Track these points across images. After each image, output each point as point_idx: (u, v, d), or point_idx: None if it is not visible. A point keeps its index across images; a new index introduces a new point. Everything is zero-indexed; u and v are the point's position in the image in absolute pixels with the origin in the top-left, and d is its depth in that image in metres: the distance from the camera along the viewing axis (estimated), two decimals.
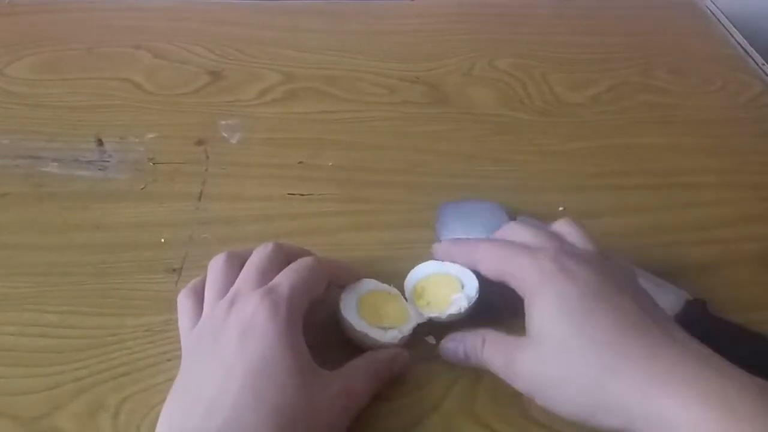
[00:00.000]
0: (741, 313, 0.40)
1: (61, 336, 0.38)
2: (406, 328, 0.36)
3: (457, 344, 0.35)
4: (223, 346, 0.31)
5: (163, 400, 0.35)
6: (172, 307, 0.40)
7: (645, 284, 0.41)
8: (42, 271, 0.42)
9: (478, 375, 0.37)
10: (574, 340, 0.29)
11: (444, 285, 0.38)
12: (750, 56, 0.66)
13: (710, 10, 0.74)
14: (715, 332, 0.39)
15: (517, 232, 0.36)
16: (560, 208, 0.48)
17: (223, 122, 0.54)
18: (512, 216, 0.43)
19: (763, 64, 0.65)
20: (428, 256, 0.40)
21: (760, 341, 0.38)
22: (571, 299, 0.30)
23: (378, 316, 0.37)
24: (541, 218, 0.46)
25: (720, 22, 0.72)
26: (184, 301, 0.37)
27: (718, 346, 0.38)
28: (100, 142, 0.52)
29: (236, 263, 0.36)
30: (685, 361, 0.28)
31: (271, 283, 0.33)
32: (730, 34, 0.70)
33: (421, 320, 0.37)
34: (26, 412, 0.35)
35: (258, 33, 0.65)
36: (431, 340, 0.38)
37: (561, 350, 0.30)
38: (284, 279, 0.33)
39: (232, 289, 0.34)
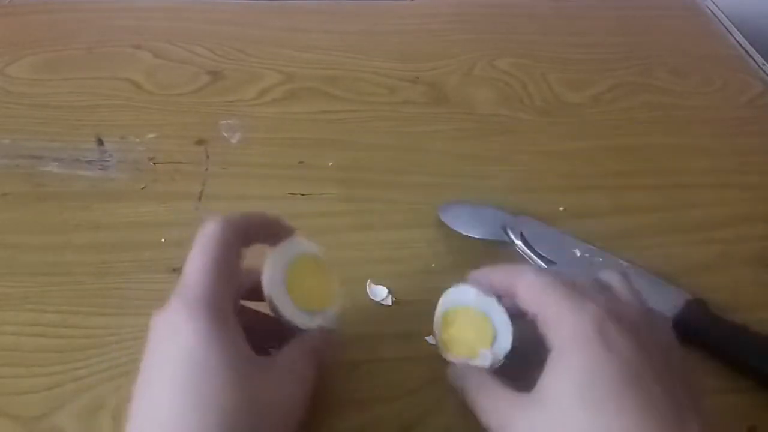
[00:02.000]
0: (741, 313, 0.40)
1: (62, 336, 0.38)
2: (331, 312, 0.34)
3: (456, 378, 0.34)
4: (152, 357, 0.28)
5: None
6: None
7: (645, 284, 0.41)
8: (42, 271, 0.42)
9: None
10: (589, 422, 0.26)
11: (477, 329, 0.34)
12: (750, 56, 0.66)
13: (710, 10, 0.74)
14: (715, 332, 0.39)
15: (567, 273, 0.33)
16: (560, 208, 0.48)
17: (224, 122, 0.54)
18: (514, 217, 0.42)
19: (763, 64, 0.65)
20: (431, 262, 0.39)
21: (760, 341, 0.38)
22: (602, 376, 0.27)
23: (305, 296, 0.33)
24: (541, 218, 0.46)
25: (720, 22, 0.72)
26: None
27: (718, 346, 0.39)
28: (100, 142, 0.52)
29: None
30: None
31: (181, 279, 0.29)
32: (730, 34, 0.70)
33: (336, 308, 0.35)
34: (26, 411, 0.35)
35: (258, 33, 0.65)
36: (431, 340, 0.38)
37: (570, 426, 0.26)
38: (191, 268, 0.29)
39: None
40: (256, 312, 0.34)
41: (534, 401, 0.28)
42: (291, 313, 0.32)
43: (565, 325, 0.29)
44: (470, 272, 0.35)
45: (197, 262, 0.28)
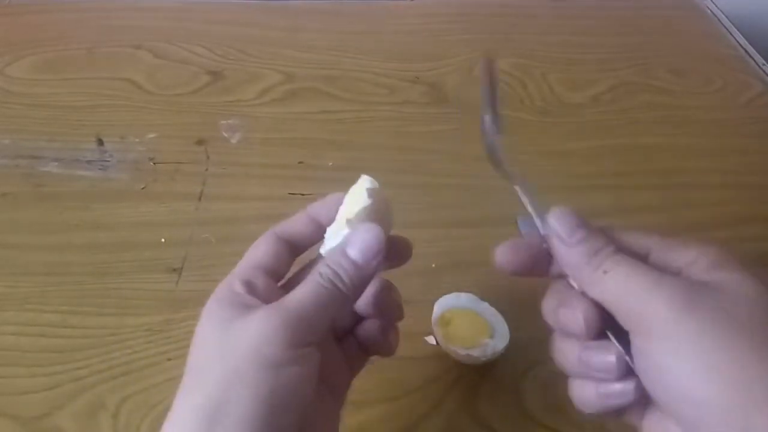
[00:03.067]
0: None
1: (61, 336, 0.38)
2: (359, 218, 0.28)
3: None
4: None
5: (163, 400, 0.35)
6: (172, 306, 0.40)
7: None
8: (42, 271, 0.42)
9: (479, 375, 0.37)
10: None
11: (474, 324, 0.37)
12: (750, 56, 0.66)
13: (710, 10, 0.74)
14: None
15: None
16: None
17: (224, 122, 0.54)
18: None
19: (763, 64, 0.65)
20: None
21: None
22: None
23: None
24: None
25: (720, 22, 0.72)
26: None
27: None
28: (100, 142, 0.52)
29: None
30: None
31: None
32: (730, 34, 0.70)
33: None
34: (26, 411, 0.35)
35: (258, 33, 0.65)
36: (431, 340, 0.38)
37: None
38: (237, 269, 0.28)
39: None
40: None
41: (710, 287, 0.23)
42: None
43: (702, 253, 0.25)
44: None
45: (242, 266, 0.28)
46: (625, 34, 0.68)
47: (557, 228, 0.28)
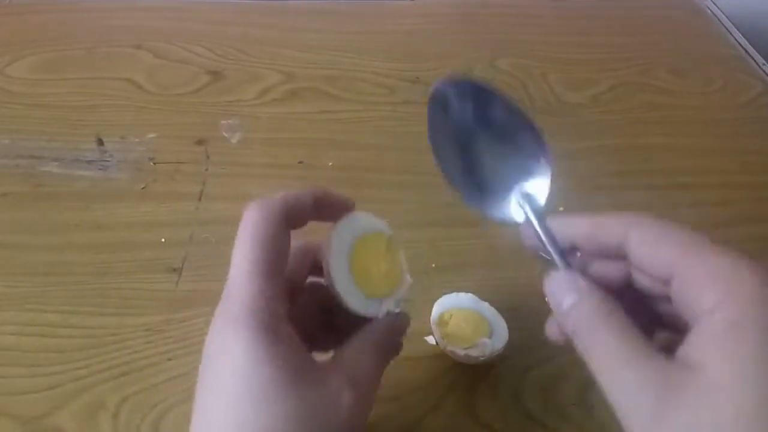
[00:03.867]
0: None
1: (62, 336, 0.38)
2: (399, 296, 0.31)
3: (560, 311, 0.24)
4: (204, 377, 0.25)
5: (163, 400, 0.35)
6: (172, 306, 0.40)
7: None
8: (42, 271, 0.42)
9: (479, 375, 0.37)
10: None
11: (473, 323, 0.37)
12: (750, 56, 0.66)
13: (710, 10, 0.74)
14: None
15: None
16: (560, 209, 0.48)
17: (224, 122, 0.54)
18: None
19: (764, 64, 0.65)
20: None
21: None
22: None
23: (370, 280, 0.30)
24: None
25: (720, 22, 0.72)
26: None
27: None
28: (100, 142, 0.52)
29: None
30: None
31: (227, 281, 0.26)
32: (730, 34, 0.70)
33: (404, 291, 0.31)
34: (27, 411, 0.35)
35: (258, 33, 0.65)
36: (431, 340, 0.38)
37: (752, 422, 0.18)
38: (234, 271, 0.26)
39: None
40: (319, 293, 0.31)
41: (692, 386, 0.20)
42: (354, 300, 0.29)
43: (732, 286, 0.21)
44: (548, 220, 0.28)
45: (240, 262, 0.26)
46: (625, 34, 0.68)
47: (549, 298, 0.25)
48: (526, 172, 0.29)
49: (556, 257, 0.26)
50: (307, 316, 0.31)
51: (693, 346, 0.21)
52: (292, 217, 0.28)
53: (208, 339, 0.25)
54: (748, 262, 0.21)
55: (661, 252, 0.23)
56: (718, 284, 0.21)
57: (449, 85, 0.29)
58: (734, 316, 0.20)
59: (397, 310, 0.30)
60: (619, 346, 0.22)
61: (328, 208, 0.29)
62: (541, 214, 0.27)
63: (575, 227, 0.26)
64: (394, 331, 0.30)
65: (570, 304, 0.24)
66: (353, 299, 0.29)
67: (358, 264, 0.30)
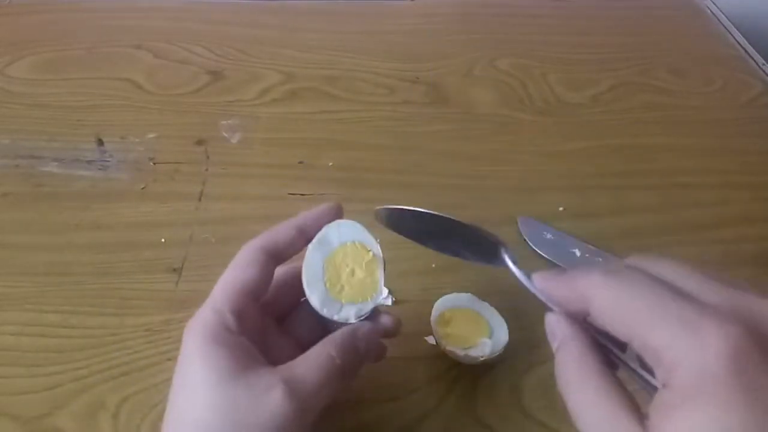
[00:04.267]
0: None
1: (62, 336, 0.38)
2: (367, 306, 0.31)
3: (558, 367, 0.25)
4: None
5: (163, 400, 0.35)
6: (172, 306, 0.40)
7: None
8: (42, 271, 0.42)
9: (478, 375, 0.37)
10: None
11: (473, 323, 0.37)
12: (750, 56, 0.66)
13: (710, 10, 0.74)
14: None
15: (663, 266, 0.24)
16: (560, 209, 0.48)
17: (224, 122, 0.54)
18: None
19: (763, 64, 0.65)
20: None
21: None
22: None
23: (338, 284, 0.31)
24: (542, 218, 0.46)
25: (720, 22, 0.72)
26: None
27: None
28: (100, 142, 0.52)
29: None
30: None
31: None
32: (730, 34, 0.70)
33: (377, 301, 0.32)
34: (26, 411, 0.35)
35: (258, 33, 0.65)
36: (431, 340, 0.38)
37: None
38: (213, 293, 0.30)
39: None
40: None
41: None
42: (316, 297, 0.30)
43: (682, 362, 0.20)
44: (533, 277, 0.27)
45: (217, 284, 0.30)
46: (625, 34, 0.68)
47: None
48: (490, 251, 0.30)
49: (544, 300, 0.26)
50: (304, 331, 0.32)
51: (651, 419, 0.21)
52: (274, 248, 0.31)
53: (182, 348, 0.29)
54: (707, 327, 0.20)
55: (615, 324, 0.23)
56: (665, 361, 0.21)
57: (388, 210, 0.32)
58: (682, 394, 0.20)
59: (359, 320, 0.31)
60: (592, 402, 0.22)
61: (315, 227, 0.32)
62: (525, 273, 0.28)
63: (548, 290, 0.26)
64: (355, 341, 0.30)
65: (555, 347, 0.25)
66: (315, 294, 0.30)
67: (332, 265, 0.31)
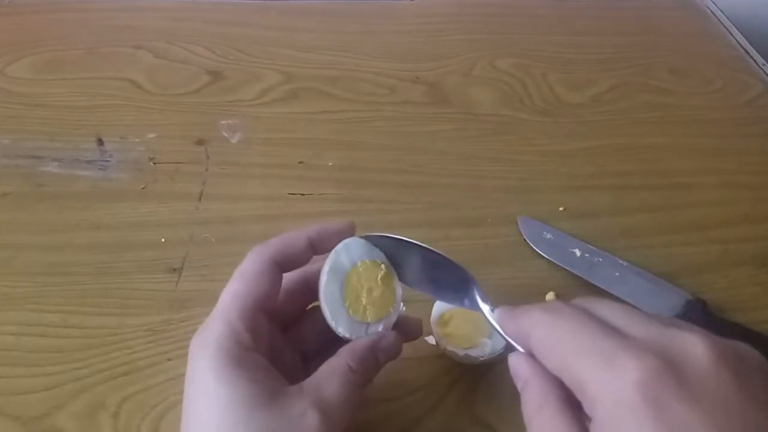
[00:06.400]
0: (741, 313, 0.40)
1: (62, 336, 0.38)
2: (390, 321, 0.32)
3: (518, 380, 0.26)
4: (185, 394, 0.27)
5: (163, 400, 0.35)
6: (172, 306, 0.40)
7: (645, 284, 0.41)
8: (42, 271, 0.42)
9: (478, 375, 0.37)
10: None
11: (473, 323, 0.37)
12: (750, 56, 0.66)
13: (710, 10, 0.74)
14: (714, 332, 0.39)
15: (601, 306, 0.25)
16: (560, 208, 0.48)
17: (224, 122, 0.54)
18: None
19: (763, 64, 0.65)
20: None
21: (760, 341, 0.38)
22: None
23: (360, 307, 0.31)
24: (542, 218, 0.46)
25: (720, 22, 0.72)
26: None
27: None
28: (100, 142, 0.52)
29: None
30: None
31: (212, 312, 0.29)
32: (730, 34, 0.70)
33: (393, 317, 0.32)
34: (26, 411, 0.35)
35: (258, 33, 0.65)
36: (431, 340, 0.38)
37: None
38: (218, 306, 0.28)
39: None
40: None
41: None
42: (341, 325, 0.30)
43: (602, 393, 0.21)
44: (495, 312, 0.29)
45: (223, 295, 0.28)
46: (625, 34, 0.68)
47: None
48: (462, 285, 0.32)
49: (508, 340, 0.27)
50: (309, 340, 0.32)
51: None
52: (283, 258, 0.30)
53: (188, 364, 0.27)
54: (623, 358, 0.21)
55: (549, 359, 0.24)
56: (588, 394, 0.22)
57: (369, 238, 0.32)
58: (602, 426, 0.21)
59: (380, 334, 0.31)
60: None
61: (325, 243, 0.31)
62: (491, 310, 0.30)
63: (502, 327, 0.28)
64: (375, 352, 0.30)
65: (520, 388, 0.26)
66: (341, 323, 0.30)
67: (350, 289, 0.31)
